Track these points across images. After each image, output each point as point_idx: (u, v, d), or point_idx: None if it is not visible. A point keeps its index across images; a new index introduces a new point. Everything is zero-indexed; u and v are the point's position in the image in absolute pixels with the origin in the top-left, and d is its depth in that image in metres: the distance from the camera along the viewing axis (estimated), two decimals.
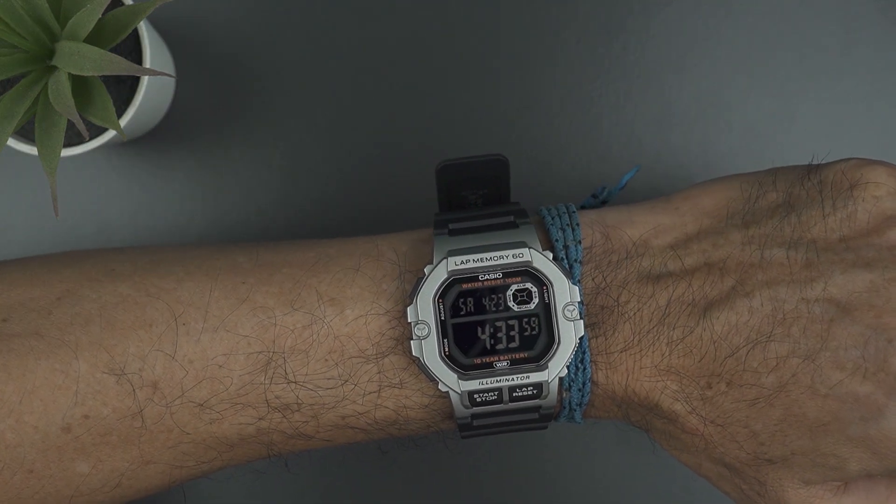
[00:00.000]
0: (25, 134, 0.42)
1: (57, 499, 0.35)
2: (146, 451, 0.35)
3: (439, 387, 0.35)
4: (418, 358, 0.35)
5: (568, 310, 0.35)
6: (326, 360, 0.35)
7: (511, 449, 0.49)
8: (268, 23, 0.48)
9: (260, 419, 0.35)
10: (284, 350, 0.35)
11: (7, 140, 0.37)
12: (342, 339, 0.35)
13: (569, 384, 0.36)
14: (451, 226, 0.36)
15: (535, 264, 0.35)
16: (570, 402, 0.36)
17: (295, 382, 0.35)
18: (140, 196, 0.48)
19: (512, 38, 0.48)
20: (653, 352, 0.35)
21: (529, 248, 0.35)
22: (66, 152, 0.41)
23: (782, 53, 0.48)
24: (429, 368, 0.35)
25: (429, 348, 0.35)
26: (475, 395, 0.35)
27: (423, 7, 0.48)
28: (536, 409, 0.36)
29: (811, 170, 0.36)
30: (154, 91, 0.43)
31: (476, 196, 0.38)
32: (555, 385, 0.35)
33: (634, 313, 0.35)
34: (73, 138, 0.42)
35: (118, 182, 0.48)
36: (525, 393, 0.35)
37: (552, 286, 0.35)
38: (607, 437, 0.49)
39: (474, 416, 0.36)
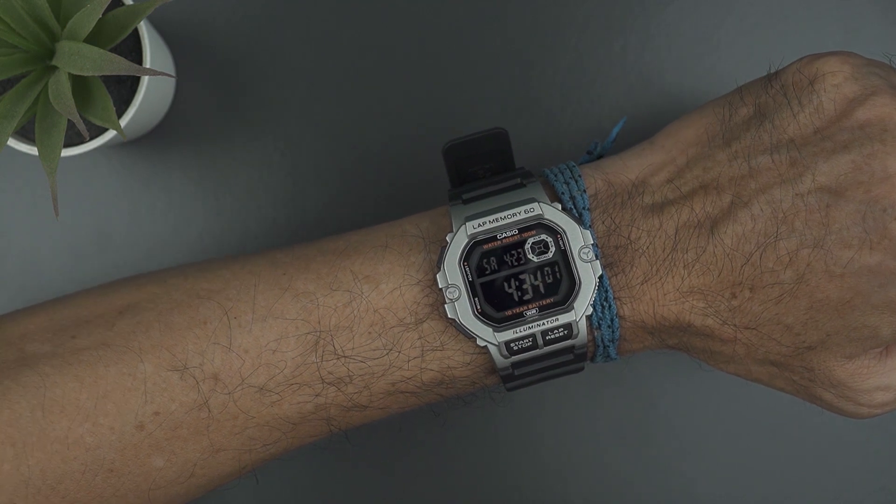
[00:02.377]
0: (25, 134, 0.42)
1: (136, 494, 0.37)
2: (215, 440, 0.37)
3: (477, 342, 0.37)
4: (454, 319, 0.37)
5: (583, 252, 0.37)
6: (370, 332, 0.38)
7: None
8: (268, 23, 0.48)
9: (317, 395, 0.38)
10: (330, 328, 0.37)
11: (7, 140, 0.37)
12: (381, 311, 0.38)
13: (598, 322, 0.38)
14: (464, 196, 0.39)
15: (547, 216, 0.38)
16: (602, 340, 0.38)
17: (344, 356, 0.37)
18: (140, 196, 0.48)
19: (512, 38, 0.49)
20: (672, 277, 0.37)
21: (539, 202, 0.38)
22: (66, 152, 0.41)
23: (782, 53, 0.47)
24: (465, 327, 0.37)
25: (462, 309, 0.37)
26: (512, 344, 0.37)
27: (423, 8, 0.49)
28: (570, 349, 0.38)
29: (771, 77, 0.39)
30: (154, 91, 0.43)
31: (483, 170, 0.41)
32: (583, 324, 0.37)
33: (647, 246, 0.38)
34: (73, 138, 0.42)
35: (118, 182, 0.48)
36: (557, 335, 0.37)
37: (565, 233, 0.38)
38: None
39: (514, 366, 0.38)
